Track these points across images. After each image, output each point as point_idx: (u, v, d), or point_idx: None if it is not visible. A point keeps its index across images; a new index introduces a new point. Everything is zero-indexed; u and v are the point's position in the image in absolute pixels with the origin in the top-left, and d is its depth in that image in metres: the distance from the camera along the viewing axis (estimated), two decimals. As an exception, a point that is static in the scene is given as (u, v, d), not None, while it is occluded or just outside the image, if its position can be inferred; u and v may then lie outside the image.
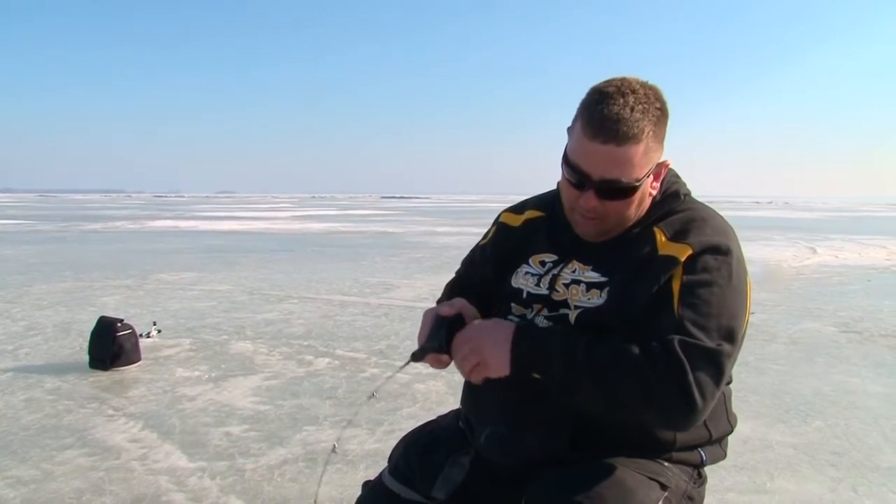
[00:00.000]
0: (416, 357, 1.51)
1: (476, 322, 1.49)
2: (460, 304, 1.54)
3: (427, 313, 1.55)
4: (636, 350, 1.31)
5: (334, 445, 1.84)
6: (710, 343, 1.31)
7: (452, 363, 1.51)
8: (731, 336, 1.35)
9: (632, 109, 1.37)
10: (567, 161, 1.46)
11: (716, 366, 1.30)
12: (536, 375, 1.39)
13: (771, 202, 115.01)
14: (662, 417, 1.34)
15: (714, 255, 1.41)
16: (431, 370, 5.07)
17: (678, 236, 1.45)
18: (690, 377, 1.27)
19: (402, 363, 1.59)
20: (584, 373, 1.32)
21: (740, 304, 1.40)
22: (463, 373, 1.47)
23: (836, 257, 14.60)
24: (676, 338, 1.30)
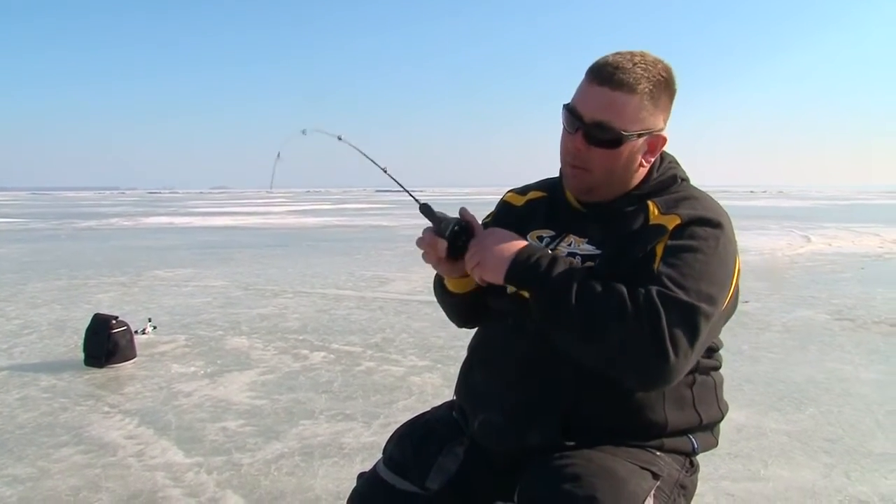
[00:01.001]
0: (424, 209, 1.53)
1: (496, 229, 1.52)
2: (479, 223, 1.57)
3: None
4: (623, 290, 1.33)
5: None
6: (686, 297, 1.32)
7: (433, 267, 1.56)
8: (711, 300, 1.35)
9: (634, 64, 1.45)
10: (566, 107, 1.51)
11: (691, 322, 1.31)
12: (525, 294, 1.42)
13: (765, 191, 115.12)
14: (633, 365, 1.33)
15: (702, 226, 1.44)
16: (427, 363, 5.09)
17: (670, 209, 1.48)
18: (664, 325, 1.28)
19: (412, 197, 1.64)
20: (570, 299, 1.34)
21: (724, 276, 1.41)
22: (468, 268, 1.50)
23: (830, 245, 14.63)
24: (655, 288, 1.32)
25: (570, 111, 1.49)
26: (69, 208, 44.72)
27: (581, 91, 1.49)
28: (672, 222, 1.44)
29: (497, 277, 1.44)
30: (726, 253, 1.43)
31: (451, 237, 1.48)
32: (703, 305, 1.33)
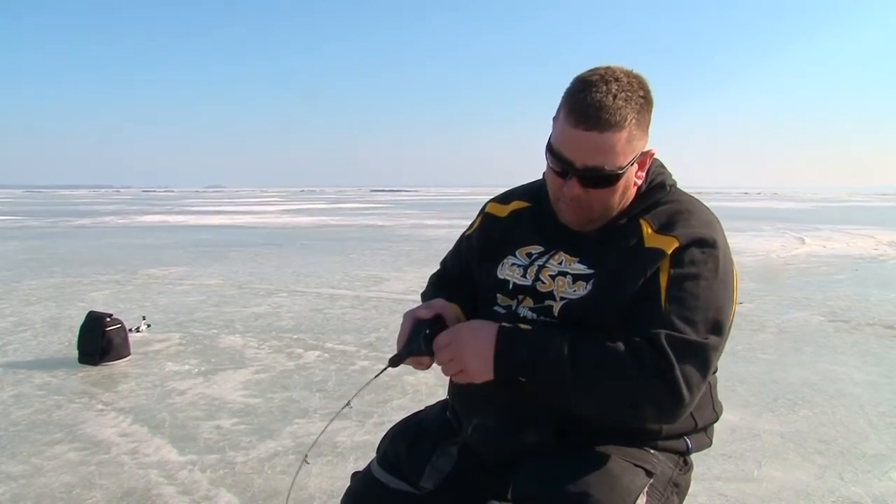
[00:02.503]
0: (394, 362, 1.50)
1: (458, 326, 1.48)
2: (439, 304, 1.54)
3: (406, 315, 1.54)
4: (621, 348, 1.31)
5: (306, 456, 1.82)
6: (696, 337, 1.32)
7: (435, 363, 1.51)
8: (718, 328, 1.36)
9: (614, 97, 1.37)
10: (551, 149, 1.46)
11: (702, 359, 1.32)
12: (522, 379, 1.39)
13: (759, 193, 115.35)
14: (650, 413, 1.35)
15: (700, 247, 1.42)
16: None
17: (664, 228, 1.45)
18: (677, 371, 1.28)
19: (380, 370, 1.58)
20: (569, 376, 1.32)
21: (727, 297, 1.41)
22: (448, 375, 1.48)
23: (824, 247, 14.67)
24: (663, 332, 1.31)
25: (558, 157, 1.44)
26: (64, 206, 44.62)
27: (565, 134, 1.42)
28: (670, 245, 1.41)
29: (484, 374, 1.40)
30: (726, 273, 1.43)
31: (428, 349, 1.47)
32: (713, 339, 1.34)
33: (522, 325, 1.46)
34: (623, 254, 1.45)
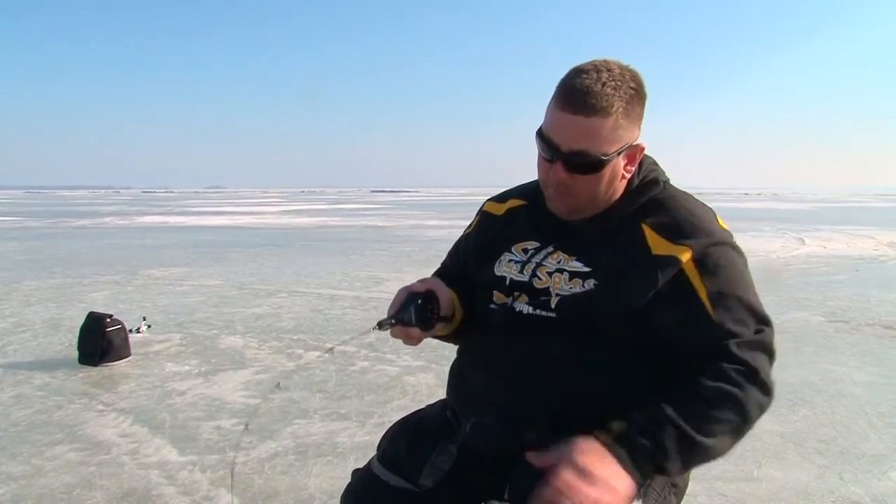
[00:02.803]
0: (381, 325, 1.47)
1: (559, 471, 1.29)
2: (434, 282, 1.54)
3: (402, 289, 1.53)
4: (708, 382, 1.34)
5: (278, 383, 1.82)
6: (755, 334, 1.38)
7: (419, 341, 1.51)
8: (764, 317, 1.41)
9: (603, 84, 1.39)
10: (540, 134, 1.47)
11: (769, 351, 1.39)
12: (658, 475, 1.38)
13: (760, 194, 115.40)
14: (758, 417, 1.40)
15: (715, 247, 1.43)
16: (422, 362, 5.09)
17: (673, 235, 1.45)
18: (762, 374, 1.36)
19: (367, 330, 1.58)
20: (697, 445, 1.33)
21: (752, 281, 1.46)
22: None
23: (825, 248, 14.68)
24: (731, 342, 1.36)
25: (545, 140, 1.45)
26: (64, 207, 44.65)
27: (553, 118, 1.44)
28: (683, 254, 1.41)
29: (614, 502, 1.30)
30: (741, 258, 1.47)
31: (419, 321, 1.46)
32: (766, 329, 1.40)
33: (615, 424, 1.36)
34: (626, 256, 1.45)
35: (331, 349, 1.67)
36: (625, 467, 1.29)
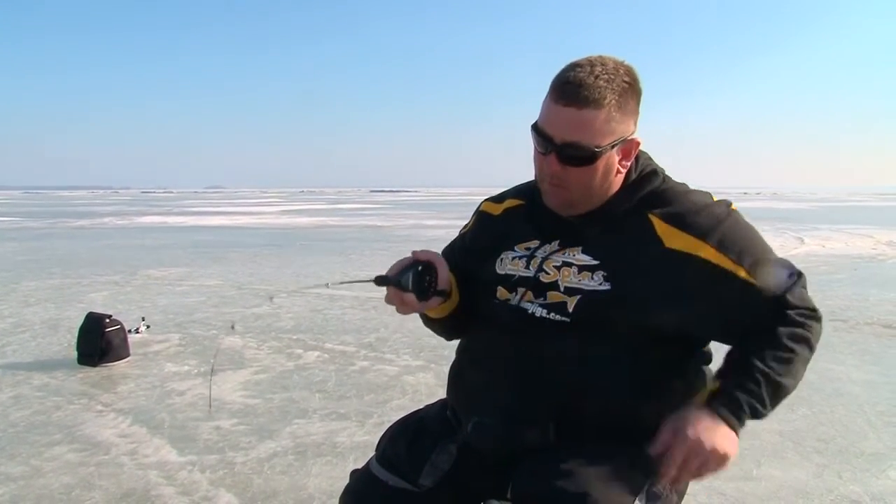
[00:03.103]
0: (378, 281, 1.48)
1: (677, 431, 1.39)
2: (435, 255, 1.54)
3: (400, 260, 1.54)
4: (784, 329, 1.46)
5: (233, 324, 1.80)
6: (790, 277, 1.51)
7: (415, 313, 1.55)
8: (780, 259, 1.53)
9: (596, 77, 1.40)
10: (535, 128, 1.48)
11: (803, 280, 1.54)
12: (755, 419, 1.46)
13: (759, 193, 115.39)
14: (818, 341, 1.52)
15: (725, 224, 1.48)
16: (421, 362, 5.09)
17: (684, 226, 1.46)
18: (812, 304, 1.51)
19: (365, 279, 1.57)
20: (783, 388, 1.46)
21: (757, 232, 1.55)
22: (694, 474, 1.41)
23: (824, 247, 14.69)
24: (785, 295, 1.48)
25: (540, 132, 1.46)
26: (62, 207, 44.62)
27: (547, 111, 1.45)
28: (703, 248, 1.45)
29: (734, 452, 1.41)
30: (749, 223, 1.55)
31: (416, 287, 1.46)
32: (791, 264, 1.53)
33: (710, 386, 1.51)
34: (636, 249, 1.46)
35: (326, 285, 1.66)
36: (731, 425, 1.40)
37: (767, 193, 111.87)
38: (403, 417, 1.78)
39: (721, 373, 1.49)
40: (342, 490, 1.69)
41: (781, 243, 15.48)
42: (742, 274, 1.44)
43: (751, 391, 1.42)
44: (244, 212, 36.72)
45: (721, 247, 1.44)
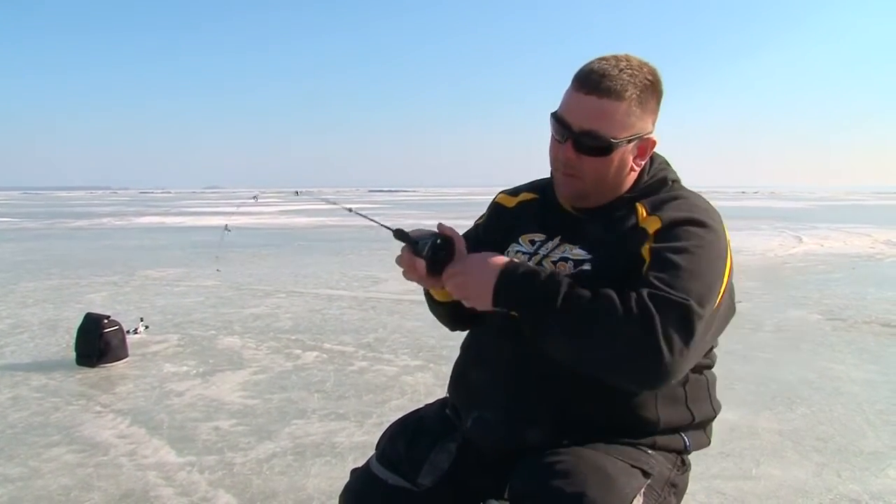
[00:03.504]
0: (398, 235, 1.48)
1: (473, 254, 1.47)
2: (458, 235, 1.53)
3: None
4: (613, 295, 1.31)
5: (226, 225, 1.77)
6: (678, 296, 1.30)
7: (417, 284, 1.54)
8: (701, 300, 1.32)
9: (620, 70, 1.44)
10: (554, 116, 1.51)
11: (683, 320, 1.29)
12: (514, 314, 1.40)
13: (757, 192, 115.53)
14: (630, 368, 1.32)
15: (685, 226, 1.44)
16: (420, 362, 5.09)
17: (655, 210, 1.49)
18: (657, 324, 1.26)
19: (385, 225, 1.56)
20: (561, 313, 1.33)
21: (714, 275, 1.39)
22: (451, 291, 1.47)
23: (822, 246, 14.70)
24: (645, 290, 1.31)
25: (559, 120, 1.48)
26: (61, 208, 44.58)
27: (568, 99, 1.48)
28: (653, 225, 1.45)
29: (485, 304, 1.42)
30: (713, 251, 1.42)
31: (429, 255, 1.45)
32: (694, 304, 1.30)
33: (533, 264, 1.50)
34: (619, 236, 1.49)
35: (350, 209, 1.62)
36: (495, 286, 1.39)
37: (765, 193, 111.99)
38: (403, 417, 1.78)
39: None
40: (342, 489, 1.69)
41: (780, 242, 15.50)
42: (646, 255, 1.40)
43: (538, 286, 1.37)
44: (242, 212, 36.69)
45: (664, 229, 1.43)
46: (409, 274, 1.51)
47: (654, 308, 1.27)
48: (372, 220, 1.66)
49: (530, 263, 1.52)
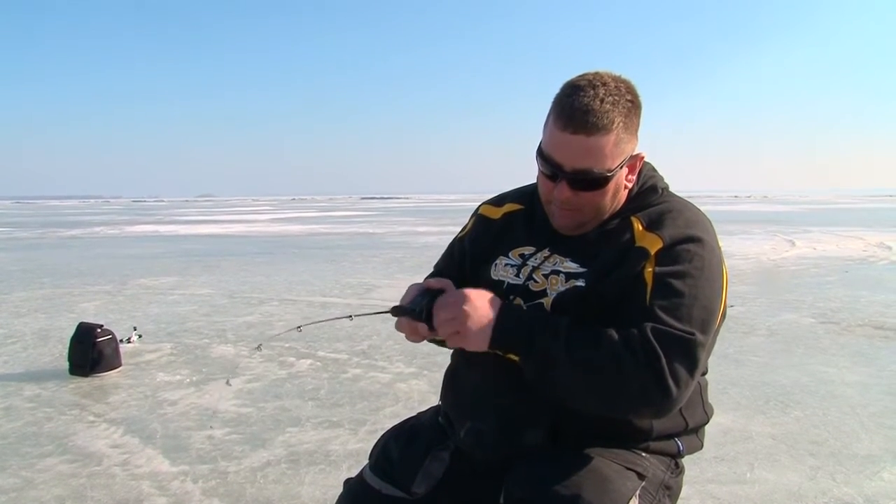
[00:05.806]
0: (395, 311, 1.47)
1: (466, 290, 1.43)
2: (447, 283, 1.52)
3: (413, 285, 1.53)
4: (615, 336, 1.32)
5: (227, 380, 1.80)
6: (682, 331, 1.32)
7: (424, 340, 1.50)
8: (704, 327, 1.35)
9: (601, 101, 1.39)
10: (541, 153, 1.48)
11: (689, 355, 1.31)
12: (514, 357, 1.39)
13: (750, 196, 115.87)
14: (637, 406, 1.34)
15: (685, 245, 1.43)
16: (414, 369, 5.08)
17: (652, 226, 1.47)
18: (664, 362, 1.28)
19: (380, 311, 1.55)
20: (563, 355, 1.32)
21: (714, 295, 1.41)
22: (442, 335, 1.43)
23: (814, 249, 14.74)
24: (649, 325, 1.32)
25: (548, 161, 1.46)
26: (53, 217, 44.42)
27: (554, 138, 1.44)
28: (654, 245, 1.43)
29: (481, 348, 1.40)
30: (713, 270, 1.43)
31: (427, 316, 1.44)
32: (699, 335, 1.33)
33: (524, 306, 1.48)
34: (615, 250, 1.47)
35: (349, 317, 1.60)
36: (493, 327, 1.37)
37: (758, 196, 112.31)
38: (396, 425, 1.78)
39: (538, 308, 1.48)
40: (335, 499, 1.69)
41: (773, 246, 15.55)
42: (648, 279, 1.40)
43: (538, 330, 1.36)
44: (235, 220, 36.63)
45: (665, 251, 1.42)
46: (413, 338, 1.50)
47: (659, 347, 1.29)
48: (372, 313, 1.66)
49: (522, 304, 1.51)
